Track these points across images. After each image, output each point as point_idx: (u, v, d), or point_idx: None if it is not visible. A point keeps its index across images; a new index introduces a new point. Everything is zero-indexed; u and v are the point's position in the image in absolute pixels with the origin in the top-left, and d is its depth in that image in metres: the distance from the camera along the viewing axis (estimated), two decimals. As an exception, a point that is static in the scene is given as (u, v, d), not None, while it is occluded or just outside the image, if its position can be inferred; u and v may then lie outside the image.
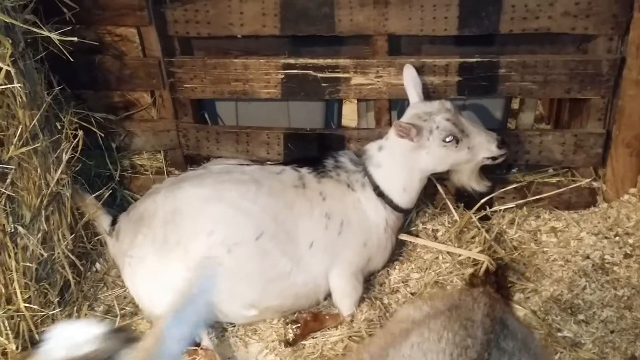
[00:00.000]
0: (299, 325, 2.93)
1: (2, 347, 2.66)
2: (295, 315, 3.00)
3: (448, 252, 3.20)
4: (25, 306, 2.71)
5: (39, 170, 2.79)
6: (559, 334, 2.78)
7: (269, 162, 3.40)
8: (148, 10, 3.16)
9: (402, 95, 3.15)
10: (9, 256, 2.69)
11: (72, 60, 2.84)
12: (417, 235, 3.32)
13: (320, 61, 3.22)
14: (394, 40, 3.21)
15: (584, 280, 3.01)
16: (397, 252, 3.24)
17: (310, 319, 2.95)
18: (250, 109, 3.58)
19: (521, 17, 3.03)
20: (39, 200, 2.81)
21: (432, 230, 3.36)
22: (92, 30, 3.20)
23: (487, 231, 3.24)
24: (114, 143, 3.51)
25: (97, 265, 3.27)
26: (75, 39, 2.75)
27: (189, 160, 3.63)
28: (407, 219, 3.35)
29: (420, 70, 3.11)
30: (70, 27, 2.85)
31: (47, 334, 1.49)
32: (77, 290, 3.07)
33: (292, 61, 3.25)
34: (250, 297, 2.89)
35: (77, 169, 3.12)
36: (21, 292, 2.71)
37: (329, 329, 2.95)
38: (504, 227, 3.33)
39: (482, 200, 3.27)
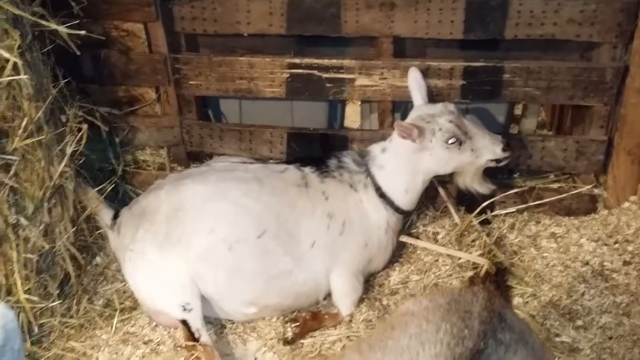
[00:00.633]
0: (298, 323, 2.94)
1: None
2: (295, 313, 3.01)
3: (448, 255, 3.21)
4: (25, 297, 2.72)
5: (42, 162, 2.79)
6: (557, 339, 2.79)
7: (272, 161, 3.41)
8: (155, 6, 3.17)
9: (406, 97, 3.16)
10: (11, 247, 2.70)
11: (78, 53, 2.86)
12: (417, 238, 3.33)
13: (325, 61, 3.23)
14: (399, 43, 3.22)
15: (583, 286, 3.02)
16: (398, 253, 3.25)
17: (310, 318, 2.96)
18: (254, 108, 3.59)
19: (526, 23, 3.05)
20: (41, 192, 2.82)
21: (433, 232, 3.37)
22: (99, 24, 3.20)
23: (487, 235, 3.25)
24: (118, 138, 3.52)
25: (98, 258, 3.28)
26: (82, 32, 2.76)
27: (192, 156, 3.64)
28: (407, 221, 3.36)
29: (424, 73, 3.12)
30: (77, 21, 2.86)
31: None
32: (77, 283, 3.08)
33: (297, 61, 3.26)
34: (251, 295, 2.90)
35: (80, 162, 3.13)
36: (21, 284, 2.72)
37: (327, 328, 2.96)
38: (505, 231, 3.34)
39: (484, 204, 3.27)
